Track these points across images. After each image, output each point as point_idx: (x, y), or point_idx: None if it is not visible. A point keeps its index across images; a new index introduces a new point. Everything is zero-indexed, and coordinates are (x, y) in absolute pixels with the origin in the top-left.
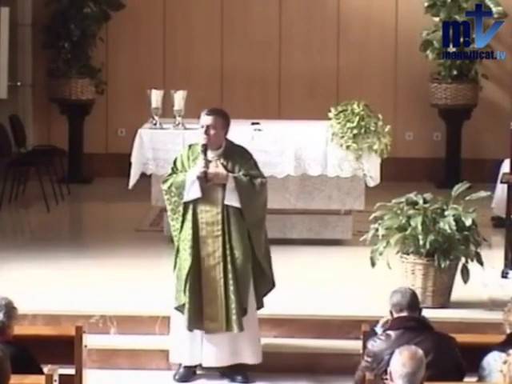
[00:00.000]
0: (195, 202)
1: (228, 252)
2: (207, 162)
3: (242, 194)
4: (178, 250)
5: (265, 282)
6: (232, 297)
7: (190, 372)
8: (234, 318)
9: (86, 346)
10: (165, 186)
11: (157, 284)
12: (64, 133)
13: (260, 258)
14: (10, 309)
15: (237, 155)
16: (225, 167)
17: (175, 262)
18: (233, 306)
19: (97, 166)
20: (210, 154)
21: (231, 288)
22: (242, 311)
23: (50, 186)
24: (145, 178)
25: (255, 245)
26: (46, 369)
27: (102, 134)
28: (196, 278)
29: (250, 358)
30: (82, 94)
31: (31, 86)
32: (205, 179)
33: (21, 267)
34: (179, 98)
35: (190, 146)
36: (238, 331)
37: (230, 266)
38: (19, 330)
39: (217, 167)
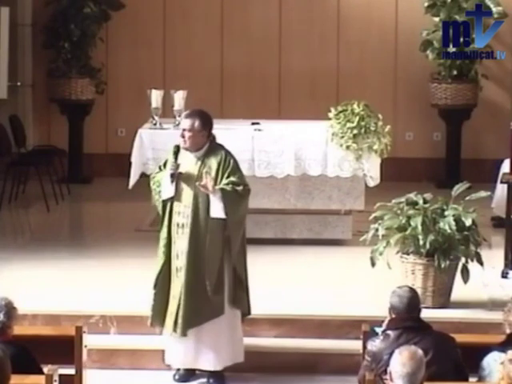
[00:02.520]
0: (171, 202)
1: (195, 254)
2: (176, 165)
3: (226, 204)
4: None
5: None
6: (184, 301)
7: (190, 372)
8: (179, 321)
9: (85, 346)
10: (151, 184)
11: None
12: (64, 133)
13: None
14: (10, 309)
15: (217, 158)
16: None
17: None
18: (182, 310)
19: (97, 166)
20: (191, 155)
21: (189, 292)
22: (194, 317)
23: (50, 186)
24: (145, 177)
25: (232, 246)
26: (45, 369)
27: (102, 134)
28: (166, 276)
29: (207, 364)
30: (82, 94)
31: (31, 86)
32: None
33: (21, 267)
34: (179, 97)
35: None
36: (180, 336)
37: (196, 269)
38: (19, 330)
39: (206, 179)
